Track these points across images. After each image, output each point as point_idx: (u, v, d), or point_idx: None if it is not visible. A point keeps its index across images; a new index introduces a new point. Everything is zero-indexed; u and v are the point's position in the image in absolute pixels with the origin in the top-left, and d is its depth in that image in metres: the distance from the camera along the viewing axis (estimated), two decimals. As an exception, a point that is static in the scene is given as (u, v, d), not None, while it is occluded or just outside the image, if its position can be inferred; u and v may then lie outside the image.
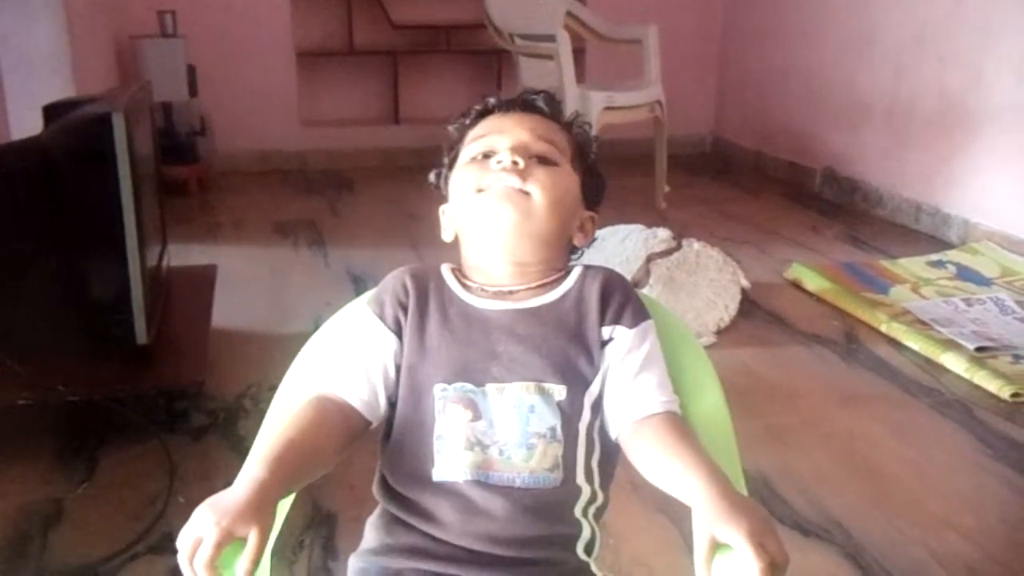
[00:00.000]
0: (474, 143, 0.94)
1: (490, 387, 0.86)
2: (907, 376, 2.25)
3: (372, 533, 0.88)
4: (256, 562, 0.73)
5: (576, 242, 0.97)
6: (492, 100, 0.97)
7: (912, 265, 2.98)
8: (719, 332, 2.48)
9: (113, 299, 1.88)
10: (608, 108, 3.50)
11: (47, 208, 1.86)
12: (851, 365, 2.33)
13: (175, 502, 1.70)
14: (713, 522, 0.73)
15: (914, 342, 2.37)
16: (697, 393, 0.93)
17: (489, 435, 0.85)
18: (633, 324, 0.89)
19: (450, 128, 1.00)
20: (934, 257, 3.04)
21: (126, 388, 1.88)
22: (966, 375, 2.19)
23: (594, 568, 0.87)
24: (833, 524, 1.64)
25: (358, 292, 2.85)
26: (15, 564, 1.55)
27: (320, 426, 0.85)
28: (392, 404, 0.89)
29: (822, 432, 2.00)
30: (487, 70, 4.83)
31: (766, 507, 1.68)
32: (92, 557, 1.56)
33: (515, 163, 0.89)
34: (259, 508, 0.75)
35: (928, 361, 2.30)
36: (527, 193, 0.89)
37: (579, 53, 3.90)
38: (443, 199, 1.00)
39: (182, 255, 2.77)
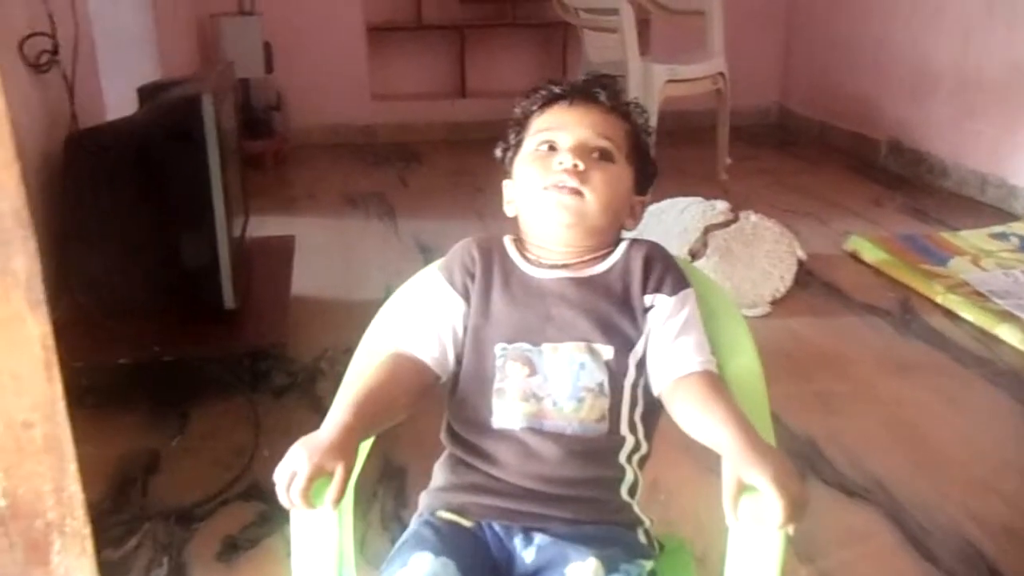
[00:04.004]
0: (539, 134, 1.04)
1: (545, 346, 0.96)
2: (960, 347, 2.29)
3: (440, 473, 1.00)
4: (342, 492, 0.85)
5: (627, 225, 1.06)
6: (556, 89, 1.07)
7: (974, 237, 2.98)
8: (774, 302, 2.54)
9: (204, 267, 2.03)
10: (670, 81, 3.55)
11: (144, 182, 2.02)
12: (904, 335, 2.37)
13: (260, 455, 1.85)
14: (740, 466, 0.83)
15: (970, 313, 2.40)
16: (732, 354, 1.02)
17: (544, 388, 0.95)
18: (673, 292, 0.99)
19: (516, 110, 1.10)
20: (997, 229, 3.04)
21: (215, 349, 2.04)
22: (1021, 346, 2.22)
23: (636, 509, 0.97)
24: (876, 485, 1.72)
25: (427, 262, 2.96)
26: (120, 504, 1.72)
27: (396, 379, 0.96)
28: (459, 360, 1.00)
29: (871, 399, 2.06)
30: (552, 43, 4.89)
31: (811, 468, 1.79)
32: (187, 501, 1.72)
33: (575, 166, 0.99)
34: (344, 447, 0.87)
35: (983, 332, 2.34)
36: (583, 195, 0.98)
37: (643, 24, 3.93)
38: (506, 174, 1.10)
39: (261, 226, 2.93)
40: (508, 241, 1.06)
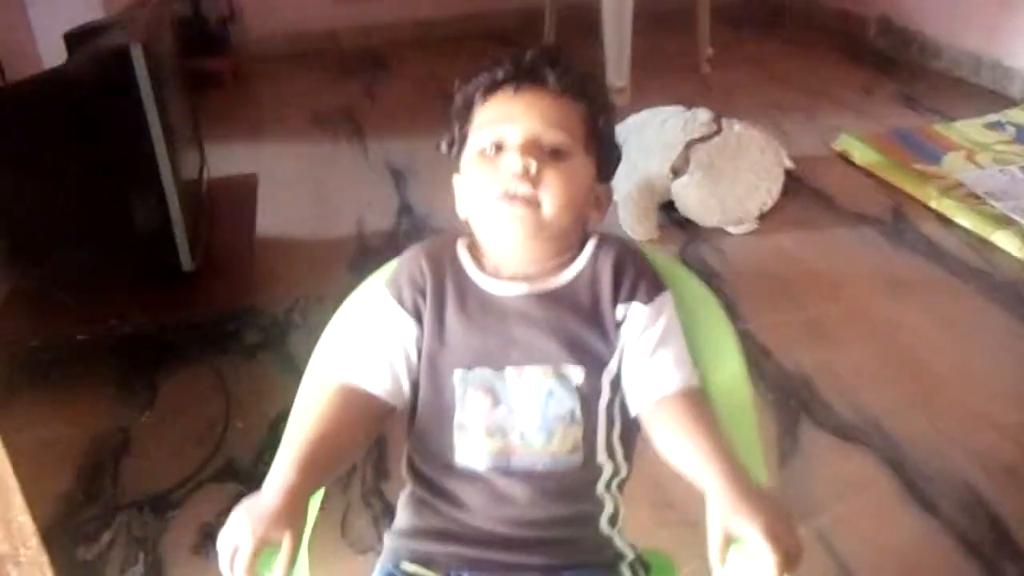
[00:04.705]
0: (483, 129, 0.91)
1: (509, 370, 0.87)
2: (956, 258, 2.20)
3: (403, 514, 0.92)
4: (292, 563, 0.77)
5: (591, 217, 0.95)
6: (500, 73, 0.93)
7: (968, 128, 2.86)
8: (761, 216, 2.44)
9: (155, 228, 1.91)
10: (646, -28, 3.33)
11: (80, 142, 1.87)
12: (898, 248, 2.28)
13: (233, 427, 1.78)
14: (728, 514, 0.75)
15: (965, 219, 2.31)
16: (716, 363, 0.92)
17: (509, 421, 0.86)
18: (648, 299, 0.89)
19: (457, 97, 0.96)
20: (992, 117, 2.90)
21: (176, 316, 1.94)
22: (1018, 254, 2.14)
23: (616, 541, 0.90)
24: (873, 427, 1.66)
25: (399, 188, 2.88)
26: (91, 493, 1.66)
27: (346, 420, 0.87)
28: (416, 386, 0.91)
29: (865, 324, 1.99)
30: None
31: (805, 410, 1.72)
32: (161, 486, 1.65)
33: (526, 168, 0.86)
34: (291, 513, 0.78)
35: (979, 239, 2.25)
36: (538, 202, 0.87)
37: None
38: (455, 168, 0.98)
39: (226, 158, 2.79)
40: (461, 248, 0.95)
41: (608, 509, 0.89)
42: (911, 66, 3.62)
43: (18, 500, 1.16)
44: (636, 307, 0.88)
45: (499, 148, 0.90)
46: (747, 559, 0.74)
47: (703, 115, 2.54)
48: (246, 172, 2.62)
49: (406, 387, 0.90)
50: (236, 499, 1.61)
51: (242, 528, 0.77)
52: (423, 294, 0.91)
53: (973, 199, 2.39)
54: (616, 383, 0.89)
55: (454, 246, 0.95)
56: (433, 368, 0.89)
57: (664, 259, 0.99)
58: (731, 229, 2.40)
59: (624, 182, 2.53)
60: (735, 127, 2.52)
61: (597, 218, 0.95)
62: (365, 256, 2.44)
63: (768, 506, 0.76)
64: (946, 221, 2.36)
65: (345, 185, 2.93)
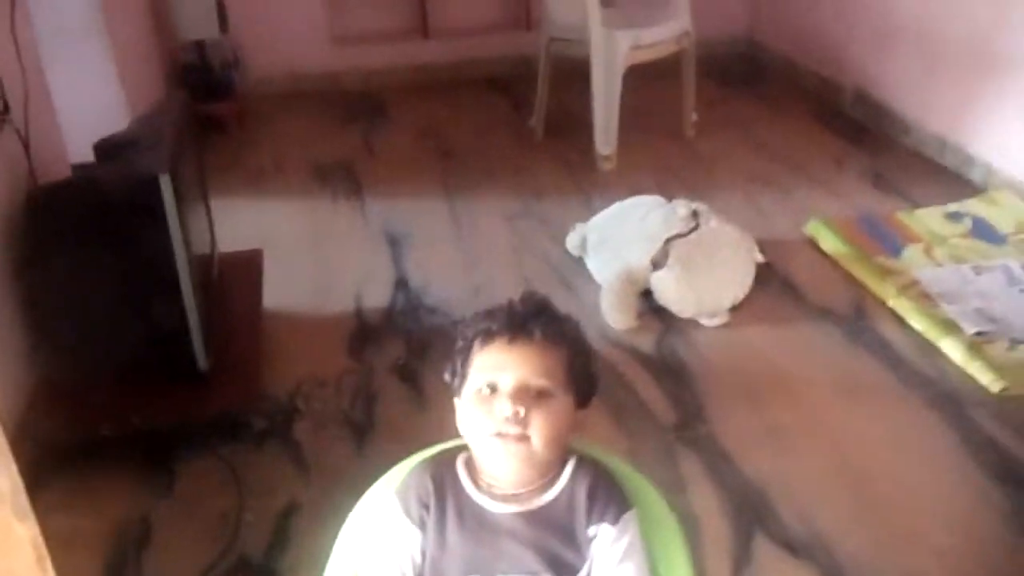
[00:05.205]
0: (481, 373, 1.10)
1: None
2: (907, 364, 2.40)
3: None
4: None
5: (572, 438, 1.14)
6: (495, 325, 1.12)
7: (929, 218, 3.06)
8: (734, 308, 2.63)
9: (175, 333, 2.09)
10: (635, 48, 3.50)
11: (107, 249, 2.03)
12: (856, 348, 2.48)
13: (244, 521, 1.97)
14: None
15: (918, 322, 2.51)
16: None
17: None
18: (615, 520, 1.08)
19: (459, 341, 1.15)
20: (952, 208, 3.10)
21: (191, 413, 2.12)
22: (962, 364, 2.34)
23: None
24: (819, 543, 1.86)
25: (395, 256, 3.06)
26: (117, 587, 1.84)
27: None
28: (421, 579, 1.10)
29: (821, 433, 2.18)
30: (515, -20, 4.75)
31: (759, 523, 1.92)
32: (180, 579, 1.84)
33: (516, 413, 1.05)
34: None
35: (929, 345, 2.45)
36: (528, 438, 1.06)
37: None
38: (456, 392, 1.16)
39: (228, 211, 2.96)
40: (460, 465, 1.14)
41: None
42: (883, 138, 3.81)
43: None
44: (605, 528, 1.08)
45: (493, 390, 1.09)
46: None
47: (682, 210, 2.73)
48: (251, 248, 2.79)
49: (413, 584, 1.10)
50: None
51: None
52: (427, 508, 1.10)
53: (926, 299, 2.59)
54: (586, 586, 1.08)
55: (454, 464, 1.14)
56: (436, 571, 1.08)
57: (632, 475, 1.18)
58: (704, 321, 2.60)
59: (606, 271, 2.73)
60: (711, 223, 2.71)
61: (576, 435, 1.15)
62: (363, 336, 2.62)
63: None
64: (902, 322, 2.56)
65: (344, 252, 3.11)
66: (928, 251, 2.86)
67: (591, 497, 1.09)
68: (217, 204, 2.70)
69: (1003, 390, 2.24)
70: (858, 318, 2.61)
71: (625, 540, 1.08)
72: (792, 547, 1.86)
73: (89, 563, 1.89)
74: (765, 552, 1.86)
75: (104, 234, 2.02)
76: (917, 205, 3.19)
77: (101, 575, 1.86)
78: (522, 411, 1.06)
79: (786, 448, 2.14)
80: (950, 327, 2.46)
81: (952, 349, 2.39)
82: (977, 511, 1.95)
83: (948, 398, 2.27)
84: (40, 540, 1.06)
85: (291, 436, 2.23)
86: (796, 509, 1.95)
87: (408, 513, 1.10)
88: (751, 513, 1.95)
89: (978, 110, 3.32)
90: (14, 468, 0.98)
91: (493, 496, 1.11)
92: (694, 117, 3.91)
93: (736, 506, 1.97)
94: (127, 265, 2.03)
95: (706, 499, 2.00)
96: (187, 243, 2.02)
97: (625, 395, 2.34)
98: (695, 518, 1.94)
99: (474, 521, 1.09)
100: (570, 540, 1.08)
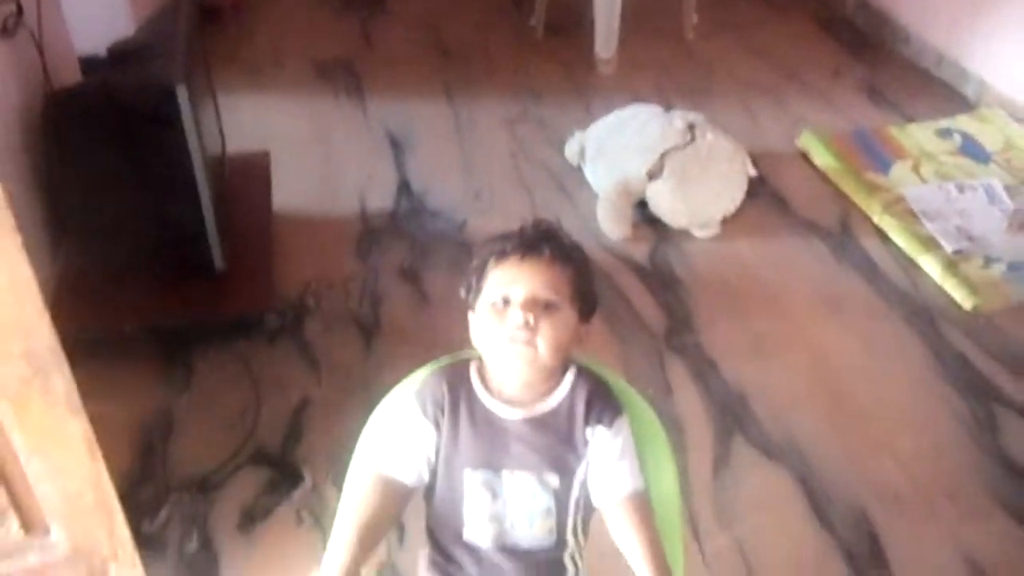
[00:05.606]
0: (495, 287, 1.22)
1: (504, 473, 1.22)
2: (888, 279, 2.53)
3: (424, 573, 1.27)
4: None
5: (574, 349, 1.26)
6: (509, 246, 1.23)
7: (920, 133, 3.13)
8: (725, 220, 2.74)
9: (192, 232, 2.18)
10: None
11: (126, 152, 2.09)
12: (840, 263, 2.60)
13: (260, 414, 2.11)
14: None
15: (900, 238, 2.62)
16: (656, 478, 1.26)
17: (504, 512, 1.22)
18: (610, 424, 1.23)
19: (475, 261, 1.26)
20: (943, 124, 3.17)
21: (209, 312, 2.24)
22: (939, 281, 2.47)
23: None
24: (794, 449, 2.02)
25: (398, 159, 3.12)
26: (146, 472, 1.99)
27: (382, 505, 1.22)
28: (434, 475, 1.25)
29: (802, 344, 2.33)
30: None
31: (739, 427, 2.08)
32: (203, 468, 1.99)
33: (527, 322, 1.17)
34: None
35: (910, 261, 2.57)
36: (535, 345, 1.18)
37: None
38: (470, 307, 1.28)
39: (232, 110, 2.96)
40: (474, 371, 1.26)
41: (571, 572, 1.25)
42: (881, 49, 3.84)
43: (120, 518, 1.48)
44: (601, 430, 1.22)
45: (506, 302, 1.21)
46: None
47: (678, 122, 2.80)
48: (255, 146, 2.85)
49: (426, 476, 1.25)
50: (269, 482, 1.98)
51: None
52: (442, 410, 1.24)
53: (910, 216, 2.70)
54: (583, 484, 1.24)
55: (468, 371, 1.27)
56: (449, 465, 1.23)
57: (624, 387, 1.31)
58: (696, 232, 2.70)
59: (603, 181, 2.81)
60: (707, 136, 2.78)
61: (578, 347, 1.27)
62: (369, 239, 2.72)
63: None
64: (886, 238, 2.67)
65: (347, 153, 3.16)
66: (916, 167, 2.95)
67: (589, 403, 1.23)
68: (220, 101, 2.73)
69: (975, 307, 2.38)
70: (844, 233, 2.72)
71: (619, 441, 1.22)
72: (768, 451, 2.03)
73: (117, 450, 2.03)
74: (742, 455, 2.02)
75: (123, 139, 2.08)
76: (910, 119, 3.26)
77: (133, 463, 2.01)
78: (531, 319, 1.18)
79: (768, 357, 2.28)
80: (930, 244, 2.57)
81: (930, 266, 2.51)
82: (942, 421, 2.11)
83: (923, 313, 2.41)
84: (91, 433, 1.20)
85: (302, 335, 2.35)
86: (773, 415, 2.11)
87: (425, 413, 1.24)
88: (731, 417, 2.11)
89: (976, 25, 3.35)
90: (67, 368, 1.12)
91: (503, 400, 1.24)
92: (695, 19, 3.91)
93: (718, 410, 2.13)
94: (145, 169, 2.10)
95: (691, 403, 2.15)
96: (203, 148, 2.09)
97: (618, 303, 2.46)
98: (680, 420, 2.10)
99: (484, 423, 1.23)
100: (570, 442, 1.22)
